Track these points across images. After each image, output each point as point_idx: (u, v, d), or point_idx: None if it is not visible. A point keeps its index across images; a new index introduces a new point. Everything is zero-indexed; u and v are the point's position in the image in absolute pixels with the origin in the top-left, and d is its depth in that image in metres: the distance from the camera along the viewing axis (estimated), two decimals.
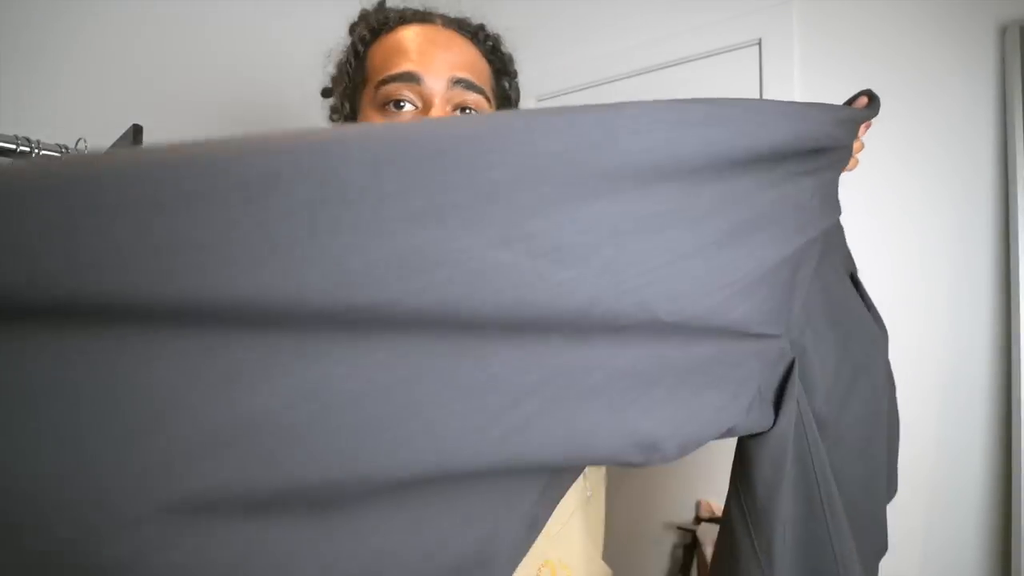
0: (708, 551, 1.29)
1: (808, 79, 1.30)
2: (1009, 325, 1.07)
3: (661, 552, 1.41)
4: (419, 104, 0.60)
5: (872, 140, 1.24)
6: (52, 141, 0.85)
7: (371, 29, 0.66)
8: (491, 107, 0.66)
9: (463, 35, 0.67)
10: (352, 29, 0.68)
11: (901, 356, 1.19)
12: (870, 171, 1.23)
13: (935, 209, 1.16)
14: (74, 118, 0.99)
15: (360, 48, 0.65)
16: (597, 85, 1.58)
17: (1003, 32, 1.09)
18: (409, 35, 0.62)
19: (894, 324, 1.20)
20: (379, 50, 0.64)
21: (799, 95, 1.31)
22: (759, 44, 1.35)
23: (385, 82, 0.60)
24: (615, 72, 1.56)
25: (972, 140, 1.12)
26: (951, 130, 1.15)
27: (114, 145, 0.87)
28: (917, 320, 1.17)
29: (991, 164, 1.10)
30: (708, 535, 1.31)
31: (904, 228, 1.19)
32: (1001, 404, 1.08)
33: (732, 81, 1.40)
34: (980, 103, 1.12)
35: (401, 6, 0.68)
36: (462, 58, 0.63)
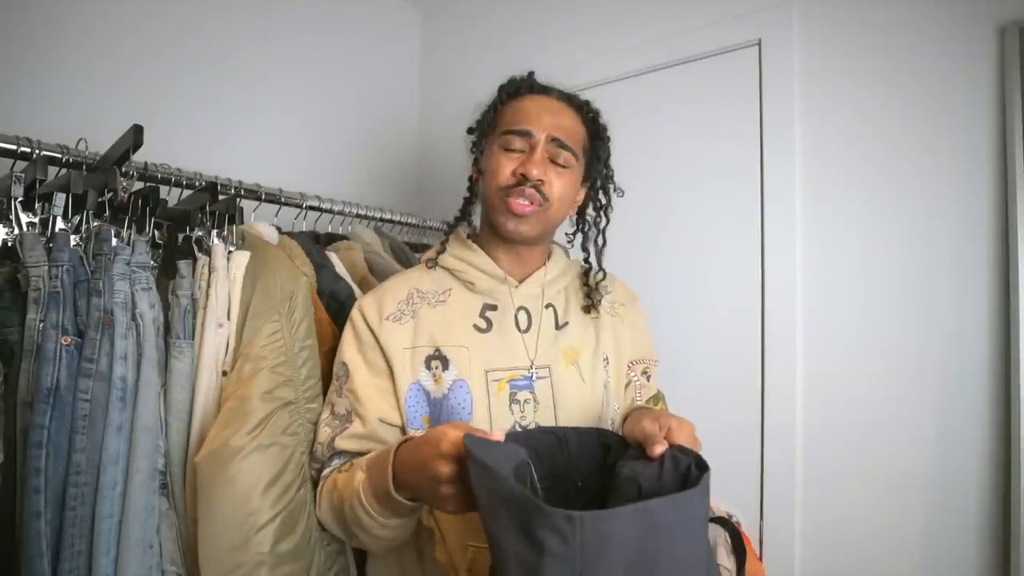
0: None
1: (807, 79, 1.30)
2: (1009, 325, 1.07)
3: None
4: (527, 149, 0.85)
5: (872, 139, 1.24)
6: (52, 141, 0.85)
7: (508, 94, 0.91)
8: (578, 162, 0.88)
9: (570, 107, 0.89)
10: (500, 91, 0.93)
11: (902, 357, 1.19)
12: (870, 170, 1.24)
13: (935, 208, 1.16)
14: (74, 118, 0.99)
15: (498, 105, 0.91)
16: (598, 85, 1.58)
17: (1003, 32, 1.09)
18: (531, 102, 0.88)
19: (895, 325, 1.21)
20: (509, 109, 0.89)
21: (798, 95, 1.31)
22: (759, 44, 1.35)
23: (508, 132, 0.86)
24: (616, 72, 1.56)
25: (972, 139, 1.12)
26: (951, 129, 1.15)
27: (114, 145, 0.87)
28: (917, 321, 1.17)
29: (991, 163, 1.10)
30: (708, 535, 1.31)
31: (904, 227, 1.19)
32: (1002, 405, 1.08)
33: (732, 82, 1.40)
34: (980, 103, 1.12)
35: (533, 78, 0.93)
36: (563, 123, 0.87)
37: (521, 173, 0.83)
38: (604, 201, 0.95)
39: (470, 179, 0.98)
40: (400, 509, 0.71)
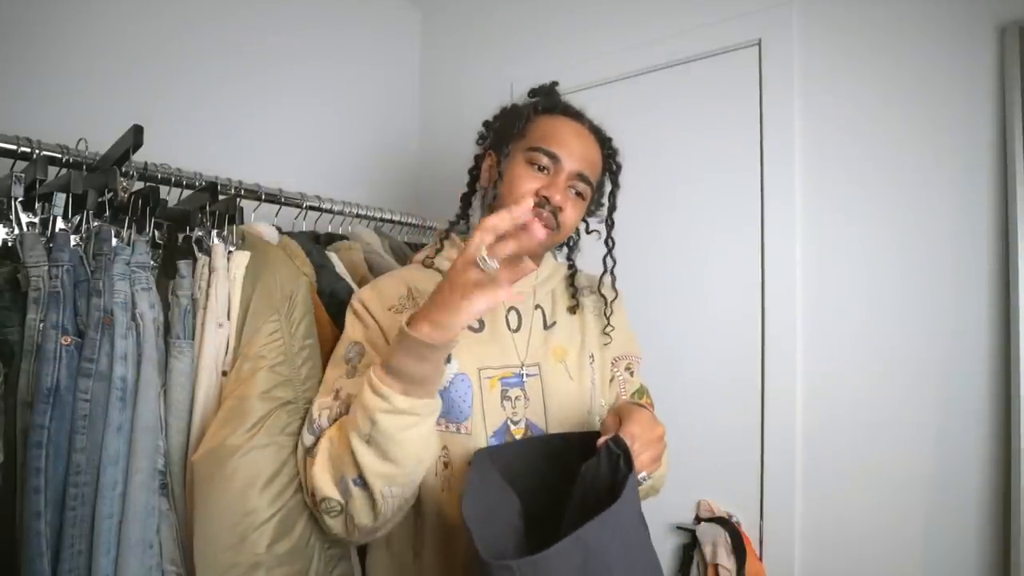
0: (708, 551, 1.30)
1: (807, 79, 1.30)
2: (1009, 324, 1.07)
3: (661, 552, 1.41)
4: (551, 171, 0.86)
5: (873, 137, 1.24)
6: (52, 141, 0.85)
7: (544, 107, 0.92)
8: (590, 195, 0.91)
9: (596, 139, 0.92)
10: (532, 94, 0.95)
11: (902, 356, 1.19)
12: (871, 169, 1.24)
13: (935, 207, 1.16)
14: (74, 118, 0.99)
15: (531, 114, 0.91)
16: (598, 85, 1.58)
17: (1002, 32, 1.09)
18: (567, 127, 0.89)
19: (895, 323, 1.21)
20: (543, 122, 0.90)
21: (798, 95, 1.31)
22: (759, 44, 1.35)
23: (538, 149, 0.86)
24: (616, 72, 1.56)
25: (972, 138, 1.12)
26: (951, 129, 1.15)
27: (114, 145, 0.87)
28: (918, 319, 1.17)
29: (991, 162, 1.10)
30: (708, 535, 1.32)
31: (904, 226, 1.19)
32: (1002, 407, 1.08)
33: (732, 81, 1.40)
34: (980, 102, 1.12)
35: (565, 97, 0.95)
36: (589, 156, 0.89)
37: (544, 196, 0.84)
38: (608, 235, 0.97)
39: (471, 172, 0.99)
40: (414, 361, 0.67)
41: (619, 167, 0.96)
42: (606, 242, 0.97)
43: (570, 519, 0.68)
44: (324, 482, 0.75)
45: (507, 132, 0.91)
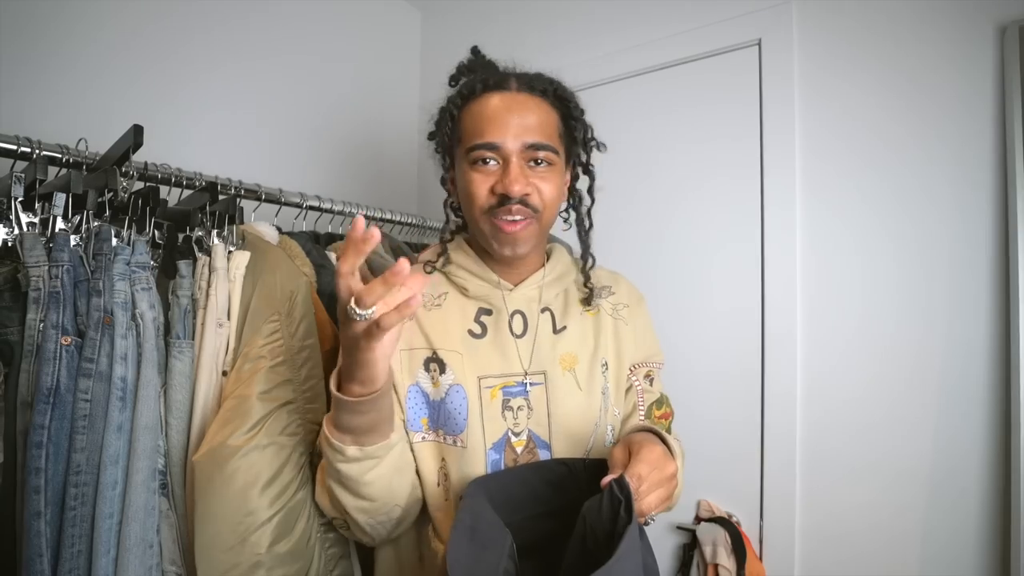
0: (708, 551, 1.30)
1: (807, 79, 1.30)
2: (1009, 325, 1.07)
3: (661, 552, 1.41)
4: (500, 161, 0.77)
5: (872, 138, 1.24)
6: (52, 141, 0.85)
7: (462, 96, 0.81)
8: (559, 153, 0.80)
9: (535, 95, 0.80)
10: (451, 82, 0.86)
11: (902, 356, 1.19)
12: (870, 169, 1.24)
13: (935, 207, 1.16)
14: (74, 118, 0.99)
15: (454, 111, 0.81)
16: (598, 85, 1.58)
17: (1002, 32, 1.09)
18: (491, 106, 0.78)
19: (894, 325, 1.21)
20: (468, 116, 0.80)
21: (798, 95, 1.31)
22: (759, 44, 1.35)
23: (474, 148, 0.77)
24: (616, 72, 1.56)
25: (972, 139, 1.12)
26: (951, 129, 1.15)
27: (114, 145, 0.87)
28: (917, 320, 1.17)
29: (991, 163, 1.10)
30: (708, 535, 1.32)
31: (904, 227, 1.19)
32: (1001, 405, 1.08)
33: (732, 81, 1.40)
34: (980, 102, 1.12)
35: (483, 64, 0.85)
36: (532, 122, 0.77)
37: (501, 193, 0.76)
38: (589, 180, 0.87)
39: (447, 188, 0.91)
40: (351, 416, 0.68)
41: (575, 104, 0.83)
42: (576, 211, 0.86)
43: (569, 561, 0.65)
44: (325, 504, 0.81)
45: (446, 141, 0.84)
